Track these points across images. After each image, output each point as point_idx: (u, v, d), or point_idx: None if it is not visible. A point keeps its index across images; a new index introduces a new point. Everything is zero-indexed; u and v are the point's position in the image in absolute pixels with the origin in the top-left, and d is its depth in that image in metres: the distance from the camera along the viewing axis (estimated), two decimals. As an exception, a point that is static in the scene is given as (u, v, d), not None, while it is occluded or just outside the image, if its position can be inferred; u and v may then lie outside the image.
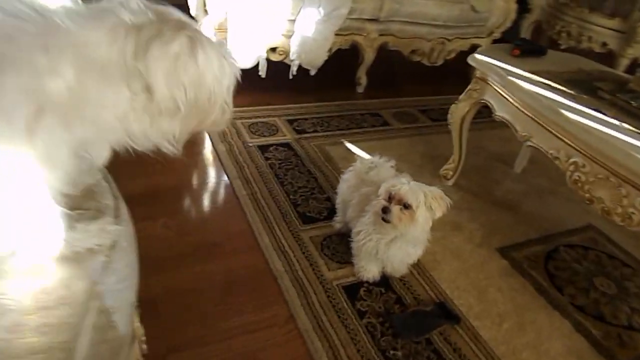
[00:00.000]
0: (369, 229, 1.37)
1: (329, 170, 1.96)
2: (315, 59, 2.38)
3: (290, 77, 2.39)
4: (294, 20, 2.28)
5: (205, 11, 2.14)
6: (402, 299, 1.43)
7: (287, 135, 2.17)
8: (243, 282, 1.41)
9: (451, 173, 1.99)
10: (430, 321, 1.35)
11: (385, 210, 1.27)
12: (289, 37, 2.32)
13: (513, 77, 1.59)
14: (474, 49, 2.55)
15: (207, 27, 2.19)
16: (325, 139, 2.20)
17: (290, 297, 1.36)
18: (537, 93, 1.50)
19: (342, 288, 1.43)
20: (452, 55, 2.86)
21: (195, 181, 1.81)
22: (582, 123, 1.34)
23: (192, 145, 1.99)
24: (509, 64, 1.68)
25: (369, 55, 2.62)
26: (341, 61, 2.64)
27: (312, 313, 1.33)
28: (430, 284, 1.50)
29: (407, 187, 1.27)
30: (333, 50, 2.49)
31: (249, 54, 2.26)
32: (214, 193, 1.76)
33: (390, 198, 1.28)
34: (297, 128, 2.24)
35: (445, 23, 2.66)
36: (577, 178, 1.35)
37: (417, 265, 1.54)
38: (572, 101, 1.46)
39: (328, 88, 2.66)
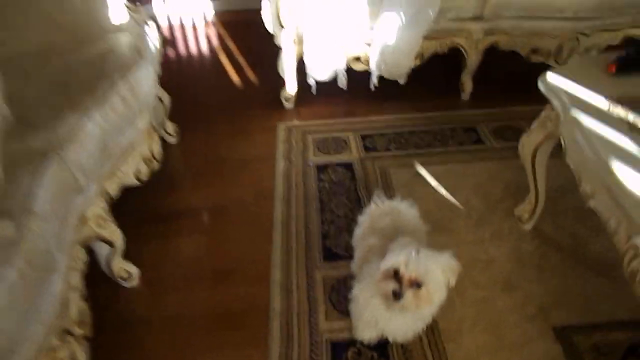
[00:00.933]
0: (367, 296, 1.19)
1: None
2: (398, 70, 2.17)
3: (373, 88, 2.23)
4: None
5: (281, 25, 2.13)
6: (393, 371, 1.25)
7: (353, 153, 2.05)
8: (237, 316, 1.42)
9: (527, 215, 1.61)
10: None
11: (396, 294, 1.04)
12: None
13: (581, 109, 1.18)
14: (629, 42, 2.02)
15: (285, 41, 2.19)
16: (395, 159, 2.01)
17: (272, 343, 1.32)
18: (607, 138, 1.09)
19: (330, 344, 1.32)
20: (594, 52, 2.25)
21: (242, 198, 1.86)
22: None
23: (256, 160, 2.05)
24: (594, 88, 1.24)
25: (472, 59, 2.26)
26: (445, 63, 2.34)
27: (285, 366, 1.26)
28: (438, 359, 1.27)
29: (417, 264, 1.05)
30: (427, 56, 2.23)
31: (326, 66, 2.19)
32: (254, 214, 1.79)
33: (396, 275, 1.05)
34: (368, 145, 2.10)
35: (577, 15, 2.10)
36: (636, 269, 0.95)
37: (433, 330, 1.31)
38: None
39: (425, 97, 2.40)
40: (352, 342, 1.32)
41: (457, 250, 1.36)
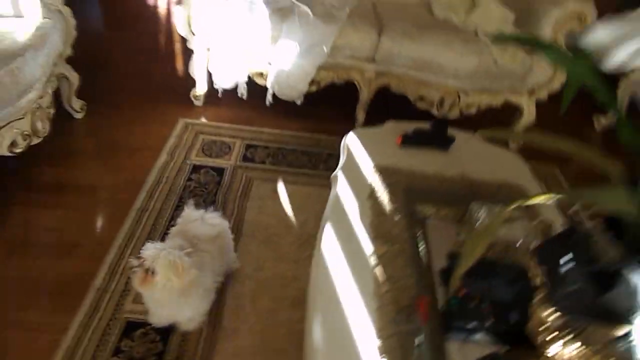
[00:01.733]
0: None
1: (234, 207, 2.02)
2: (291, 92, 2.38)
3: (267, 104, 2.45)
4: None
5: (192, 32, 2.33)
6: (164, 354, 1.50)
7: (231, 160, 2.28)
8: (63, 285, 1.65)
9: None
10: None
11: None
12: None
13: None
14: (511, 106, 2.29)
15: (196, 46, 2.39)
16: (264, 172, 2.24)
17: (78, 313, 1.56)
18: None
19: (127, 322, 1.56)
20: (473, 109, 2.49)
21: (115, 183, 2.09)
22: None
23: (145, 149, 2.27)
24: (375, 156, 1.48)
25: (364, 94, 2.48)
26: (349, 93, 2.54)
27: (80, 334, 1.51)
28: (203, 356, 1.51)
29: (151, 252, 1.32)
30: (323, 85, 2.44)
31: (228, 76, 2.40)
32: (118, 200, 2.01)
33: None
34: (248, 155, 2.33)
35: (457, 74, 2.33)
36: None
37: (214, 326, 1.56)
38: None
39: (321, 120, 2.63)
40: (146, 324, 1.56)
41: (270, 263, 1.64)
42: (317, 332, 1.05)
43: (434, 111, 2.49)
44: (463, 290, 1.09)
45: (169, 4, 3.60)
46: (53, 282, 1.66)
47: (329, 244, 1.24)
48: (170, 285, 1.35)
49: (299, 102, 2.45)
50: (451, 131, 1.60)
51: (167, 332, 1.55)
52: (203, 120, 2.51)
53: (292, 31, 2.24)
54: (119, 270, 1.71)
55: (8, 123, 1.78)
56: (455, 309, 1.05)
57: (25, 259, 1.73)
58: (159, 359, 1.48)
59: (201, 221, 1.57)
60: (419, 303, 1.08)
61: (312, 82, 2.39)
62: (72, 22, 2.15)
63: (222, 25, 2.26)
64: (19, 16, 1.90)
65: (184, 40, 2.46)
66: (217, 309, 1.61)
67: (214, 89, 2.49)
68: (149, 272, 1.33)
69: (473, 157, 1.48)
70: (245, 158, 2.30)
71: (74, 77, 2.28)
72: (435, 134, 1.56)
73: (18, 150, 1.85)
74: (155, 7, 3.65)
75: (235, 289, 1.70)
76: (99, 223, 1.92)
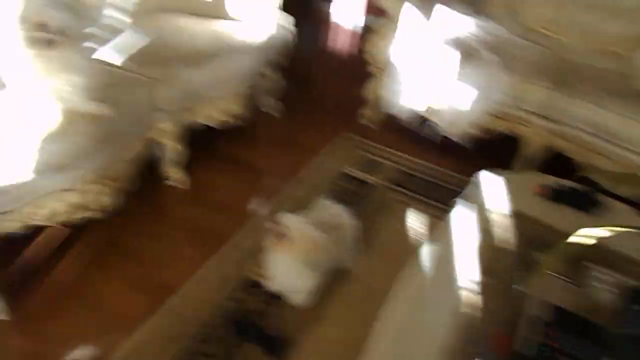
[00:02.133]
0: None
1: (368, 217, 2.15)
2: (454, 129, 2.45)
3: (432, 138, 2.56)
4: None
5: (379, 59, 2.60)
6: (265, 314, 1.70)
7: (378, 178, 2.44)
8: (211, 234, 2.01)
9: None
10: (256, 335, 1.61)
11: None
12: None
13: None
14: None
15: (379, 73, 2.65)
16: (405, 197, 2.34)
17: (212, 258, 1.89)
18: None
19: (246, 278, 1.83)
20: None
21: (275, 167, 2.44)
22: None
23: (310, 152, 2.59)
24: (507, 197, 1.48)
25: (527, 149, 2.40)
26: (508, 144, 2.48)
27: (207, 274, 1.83)
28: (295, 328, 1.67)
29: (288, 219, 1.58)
30: (489, 131, 2.44)
31: (403, 104, 2.57)
32: (274, 181, 2.34)
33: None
34: (395, 178, 2.46)
35: (636, 149, 2.10)
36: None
37: (317, 310, 1.72)
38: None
39: (475, 163, 2.61)
40: (260, 285, 1.80)
41: (382, 277, 1.82)
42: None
43: (607, 185, 2.25)
44: (553, 342, 1.04)
45: (363, 32, 4.00)
46: (206, 230, 2.04)
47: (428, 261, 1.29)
48: (293, 251, 1.56)
49: (461, 142, 2.49)
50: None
51: (274, 297, 1.75)
52: (365, 139, 2.74)
53: (472, 75, 2.32)
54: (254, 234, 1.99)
55: (214, 100, 2.25)
56: (533, 354, 1.01)
57: (195, 208, 2.16)
58: (261, 316, 1.69)
59: (333, 212, 1.77)
60: (500, 341, 1.07)
61: (479, 126, 2.41)
62: (293, 37, 2.59)
63: (410, 58, 2.47)
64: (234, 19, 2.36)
65: (367, 65, 2.73)
66: (322, 296, 1.75)
67: (384, 113, 2.71)
68: (281, 236, 1.56)
69: (614, 225, 1.36)
70: (391, 180, 2.44)
71: (272, 78, 2.74)
72: (581, 194, 1.48)
73: (218, 125, 2.32)
74: (349, 34, 4.09)
75: (344, 286, 1.83)
76: (252, 195, 2.25)
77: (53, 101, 1.51)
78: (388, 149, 2.67)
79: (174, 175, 2.24)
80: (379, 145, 2.70)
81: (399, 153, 2.65)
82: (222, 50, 2.17)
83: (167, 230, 2.04)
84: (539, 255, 1.27)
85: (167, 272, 1.84)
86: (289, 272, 1.66)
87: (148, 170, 2.09)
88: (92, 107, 1.59)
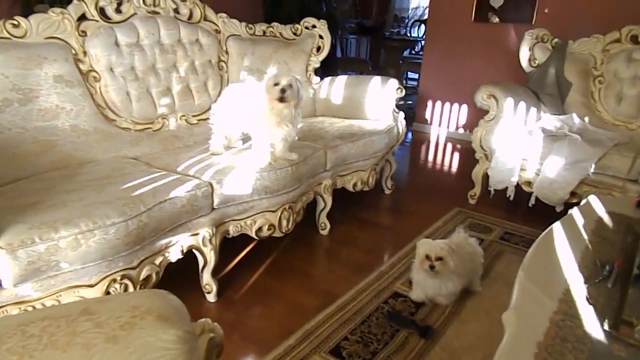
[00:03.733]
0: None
1: (487, 260, 2.57)
2: (551, 197, 2.91)
3: (530, 205, 3.02)
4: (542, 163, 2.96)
5: (482, 147, 3.23)
6: (415, 314, 2.10)
7: (490, 237, 2.88)
8: (362, 265, 2.52)
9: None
10: (410, 324, 2.00)
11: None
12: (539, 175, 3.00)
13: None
14: None
15: (481, 158, 3.27)
16: (513, 249, 2.74)
17: (368, 277, 2.37)
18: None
19: (394, 292, 2.27)
20: None
21: (401, 226, 2.97)
22: None
23: (427, 219, 3.13)
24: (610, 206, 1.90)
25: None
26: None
27: (365, 288, 2.29)
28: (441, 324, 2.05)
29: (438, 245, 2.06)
30: (583, 197, 2.88)
31: (502, 180, 3.13)
32: (402, 236, 2.86)
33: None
34: (504, 237, 2.89)
35: None
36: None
37: (457, 314, 2.10)
38: None
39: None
40: (406, 296, 2.23)
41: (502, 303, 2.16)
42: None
43: None
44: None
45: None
46: (356, 263, 2.56)
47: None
48: (443, 268, 2.01)
49: (558, 209, 2.92)
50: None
51: (419, 305, 2.16)
52: (471, 211, 3.24)
53: (561, 149, 2.86)
54: (398, 264, 2.47)
55: (355, 171, 2.95)
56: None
57: (344, 249, 2.71)
58: (411, 314, 2.10)
59: (466, 240, 2.24)
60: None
61: (572, 194, 2.86)
62: (403, 128, 3.36)
63: (506, 142, 3.09)
64: (377, 119, 3.19)
65: (472, 153, 3.37)
66: (457, 311, 2.13)
67: (487, 190, 3.24)
68: (434, 260, 2.04)
69: None
70: (501, 238, 2.87)
71: (394, 164, 3.44)
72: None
73: (354, 190, 2.98)
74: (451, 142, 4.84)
75: (474, 303, 2.20)
76: (384, 246, 2.77)
77: (267, 146, 2.25)
78: (496, 219, 3.13)
79: (327, 225, 2.85)
80: (487, 216, 3.17)
81: (506, 221, 3.10)
82: (362, 134, 2.95)
83: (322, 258, 2.59)
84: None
85: (328, 284, 2.33)
86: (431, 285, 2.09)
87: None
88: (288, 155, 2.33)
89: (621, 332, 1.14)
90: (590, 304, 1.25)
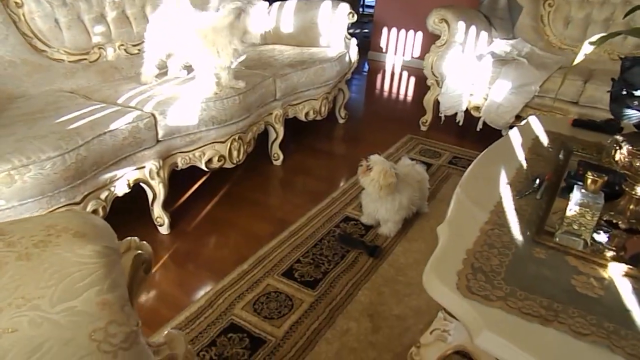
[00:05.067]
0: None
1: (434, 184, 2.66)
2: (498, 121, 3.00)
3: (477, 129, 3.11)
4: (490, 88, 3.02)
5: (432, 73, 3.24)
6: (364, 236, 2.19)
7: (439, 161, 2.97)
8: (319, 189, 2.57)
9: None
10: (359, 244, 2.09)
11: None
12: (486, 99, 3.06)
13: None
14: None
15: (431, 84, 3.28)
16: (461, 172, 2.84)
17: (320, 203, 2.42)
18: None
19: (346, 216, 2.34)
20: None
21: (351, 154, 3.01)
22: None
23: (378, 145, 3.17)
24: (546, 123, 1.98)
25: (564, 133, 2.90)
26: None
27: (315, 214, 2.35)
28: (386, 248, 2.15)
29: (374, 158, 2.11)
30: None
31: (451, 106, 3.18)
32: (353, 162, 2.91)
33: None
34: (452, 161, 2.98)
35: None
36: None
37: (402, 238, 2.20)
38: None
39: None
40: (357, 220, 2.30)
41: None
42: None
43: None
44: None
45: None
46: (308, 191, 2.59)
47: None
48: (376, 182, 2.06)
49: (504, 133, 3.02)
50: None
51: (369, 228, 2.25)
52: (422, 137, 3.31)
53: (508, 73, 2.92)
54: (350, 190, 2.53)
55: (306, 100, 2.91)
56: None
57: (297, 177, 2.74)
58: (361, 236, 2.18)
59: (412, 167, 2.29)
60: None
61: (518, 117, 2.95)
62: (355, 56, 3.30)
63: (455, 68, 3.10)
64: (329, 47, 3.12)
65: (424, 81, 3.38)
66: (405, 231, 2.23)
67: (438, 116, 3.29)
68: (368, 168, 2.09)
69: None
70: (449, 162, 2.96)
71: (347, 92, 3.42)
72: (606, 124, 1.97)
73: (311, 117, 2.96)
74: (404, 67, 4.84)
75: (421, 223, 2.30)
76: (337, 174, 2.81)
77: (212, 77, 2.17)
78: (445, 144, 3.22)
79: (280, 155, 2.85)
80: (437, 142, 3.25)
81: (455, 147, 3.19)
82: (312, 62, 2.88)
83: (276, 188, 2.62)
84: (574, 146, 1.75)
85: (282, 213, 2.38)
86: (374, 203, 2.16)
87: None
88: (235, 83, 2.26)
89: (543, 238, 1.22)
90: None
